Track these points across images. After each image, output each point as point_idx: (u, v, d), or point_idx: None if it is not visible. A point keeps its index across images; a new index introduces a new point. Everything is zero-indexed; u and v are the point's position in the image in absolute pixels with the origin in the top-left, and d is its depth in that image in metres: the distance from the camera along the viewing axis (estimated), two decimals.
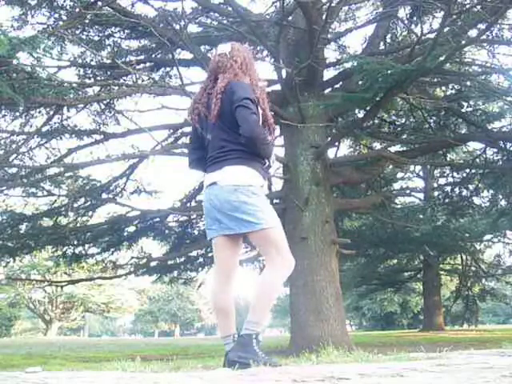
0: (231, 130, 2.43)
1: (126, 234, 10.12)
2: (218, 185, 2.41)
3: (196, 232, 10.76)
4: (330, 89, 8.30)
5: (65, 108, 7.46)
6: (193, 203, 10.07)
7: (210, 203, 2.45)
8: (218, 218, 2.42)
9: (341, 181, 8.00)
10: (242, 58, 2.58)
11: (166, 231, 10.42)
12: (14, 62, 5.34)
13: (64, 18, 7.77)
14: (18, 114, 7.86)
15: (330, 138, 8.01)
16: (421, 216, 11.37)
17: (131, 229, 10.06)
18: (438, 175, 14.65)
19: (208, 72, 2.68)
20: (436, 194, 13.48)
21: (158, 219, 9.85)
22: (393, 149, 8.93)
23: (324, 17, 6.72)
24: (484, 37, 7.16)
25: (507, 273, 16.53)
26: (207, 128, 2.54)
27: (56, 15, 7.81)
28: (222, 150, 2.44)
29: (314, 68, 7.05)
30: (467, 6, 6.94)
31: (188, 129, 9.22)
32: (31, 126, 8.27)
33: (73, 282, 11.81)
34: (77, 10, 7.31)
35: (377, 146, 10.62)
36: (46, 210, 9.42)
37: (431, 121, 9.21)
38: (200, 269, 11.46)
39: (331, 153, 8.85)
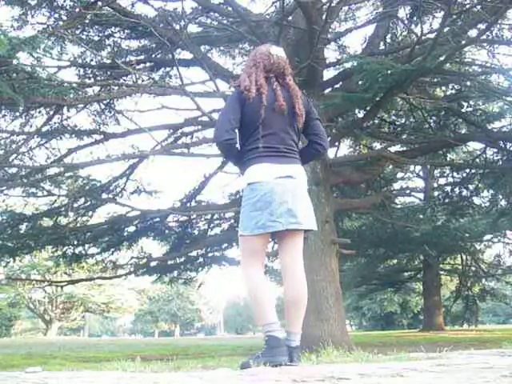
0: (297, 135, 2.59)
1: (126, 233, 10.13)
2: (295, 179, 2.48)
3: (196, 232, 10.76)
4: (330, 89, 8.30)
5: (65, 108, 7.46)
6: (193, 203, 10.07)
7: (289, 193, 2.43)
8: (291, 210, 2.43)
9: (341, 181, 8.00)
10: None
11: (166, 231, 10.42)
12: (14, 61, 5.34)
13: (64, 18, 7.77)
14: (18, 114, 7.85)
15: (329, 138, 8.01)
16: (421, 216, 11.36)
17: (131, 229, 10.06)
18: (438, 175, 14.64)
19: (263, 66, 2.58)
20: (436, 194, 13.45)
21: (158, 219, 9.84)
22: (393, 149, 8.93)
23: (324, 17, 6.73)
24: (484, 37, 7.16)
25: (507, 273, 16.53)
26: (271, 120, 2.49)
27: (56, 15, 7.82)
28: (290, 147, 2.54)
29: (314, 68, 7.06)
30: (467, 6, 6.93)
31: (188, 129, 9.22)
32: (31, 126, 8.27)
33: (73, 282, 11.82)
34: (77, 10, 7.31)
35: (377, 146, 10.61)
36: (46, 210, 9.42)
37: (431, 121, 9.20)
38: (200, 269, 11.45)
39: (331, 153, 8.87)
